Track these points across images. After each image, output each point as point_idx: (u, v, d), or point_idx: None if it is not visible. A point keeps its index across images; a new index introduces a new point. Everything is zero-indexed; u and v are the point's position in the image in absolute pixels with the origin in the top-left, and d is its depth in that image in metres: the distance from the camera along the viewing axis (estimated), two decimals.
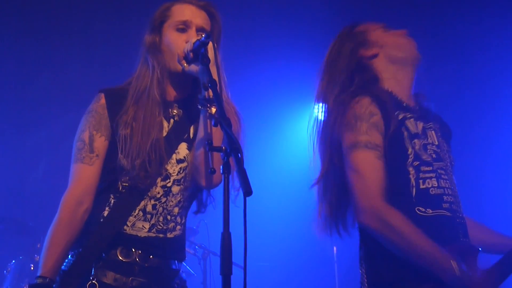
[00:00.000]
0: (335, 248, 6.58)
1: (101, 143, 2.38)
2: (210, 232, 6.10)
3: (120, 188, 2.36)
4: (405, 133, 2.47)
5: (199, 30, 2.41)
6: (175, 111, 2.47)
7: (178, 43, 2.38)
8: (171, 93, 2.48)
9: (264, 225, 6.57)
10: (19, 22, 6.10)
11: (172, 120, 2.45)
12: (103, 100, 2.42)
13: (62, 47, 6.21)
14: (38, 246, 5.33)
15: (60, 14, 6.13)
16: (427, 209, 2.41)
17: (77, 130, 2.43)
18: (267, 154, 6.94)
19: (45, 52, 6.23)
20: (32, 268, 5.30)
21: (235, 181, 2.19)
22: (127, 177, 2.34)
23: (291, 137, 7.45)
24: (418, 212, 2.40)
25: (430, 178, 2.44)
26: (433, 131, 2.57)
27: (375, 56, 2.66)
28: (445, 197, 2.45)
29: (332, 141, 2.55)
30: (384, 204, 2.34)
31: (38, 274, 2.24)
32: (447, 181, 2.49)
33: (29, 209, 5.95)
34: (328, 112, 2.63)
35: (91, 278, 2.27)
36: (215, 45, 2.27)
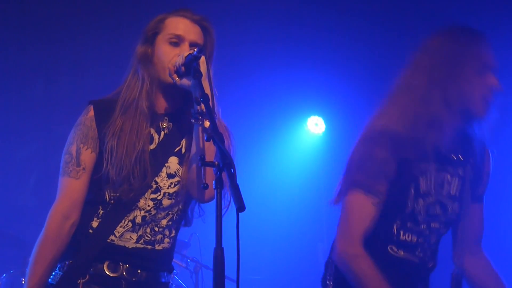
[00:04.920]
0: None
1: (87, 155, 2.36)
2: (202, 245, 6.08)
3: (108, 199, 2.35)
4: (412, 191, 2.40)
5: (192, 45, 2.39)
6: (165, 124, 2.44)
7: (170, 56, 2.35)
8: (162, 106, 2.45)
9: (257, 238, 6.55)
10: (10, 33, 6.09)
11: (162, 133, 2.44)
12: (91, 112, 2.41)
13: (54, 60, 6.21)
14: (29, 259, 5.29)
15: (51, 25, 6.13)
16: (399, 250, 2.44)
17: (66, 142, 2.42)
18: (259, 167, 6.93)
19: (37, 64, 6.22)
20: (23, 281, 5.25)
21: (228, 196, 2.18)
22: (114, 188, 2.33)
23: (284, 149, 7.45)
24: (390, 251, 2.44)
25: (413, 234, 2.45)
26: (457, 181, 2.48)
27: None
28: (419, 249, 2.47)
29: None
30: (356, 251, 2.37)
31: None
32: (432, 236, 2.49)
33: (20, 222, 5.91)
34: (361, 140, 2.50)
35: None
36: (207, 59, 2.27)
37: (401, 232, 2.44)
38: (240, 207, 1.71)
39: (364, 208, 2.37)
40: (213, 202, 1.84)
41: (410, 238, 2.45)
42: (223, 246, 1.76)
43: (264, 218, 6.81)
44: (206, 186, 2.05)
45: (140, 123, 2.36)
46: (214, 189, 1.82)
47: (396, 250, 2.44)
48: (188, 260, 5.94)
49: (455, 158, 2.47)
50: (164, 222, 2.41)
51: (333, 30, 6.43)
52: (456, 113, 2.39)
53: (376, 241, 2.41)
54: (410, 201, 2.41)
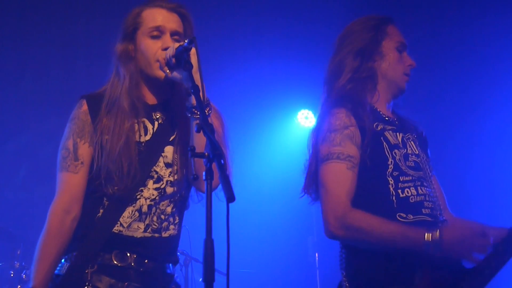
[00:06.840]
0: (317, 255, 6.59)
1: (85, 150, 2.38)
2: (192, 238, 6.08)
3: (111, 191, 2.36)
4: (385, 144, 2.52)
5: (173, 33, 2.42)
6: (158, 114, 2.47)
7: (154, 50, 2.38)
8: (152, 97, 2.48)
9: (247, 231, 6.56)
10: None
11: (156, 123, 2.46)
12: (85, 106, 2.42)
13: (43, 52, 6.17)
14: (18, 252, 5.28)
15: (40, 19, 6.10)
16: (408, 215, 2.45)
17: (62, 138, 2.43)
18: (249, 160, 6.93)
19: (25, 56, 6.19)
20: (12, 274, 5.24)
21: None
22: (111, 183, 2.34)
23: (275, 142, 7.45)
24: (399, 218, 2.44)
25: (409, 187, 2.49)
26: (412, 142, 2.64)
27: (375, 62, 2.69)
28: (425, 203, 2.50)
29: (313, 150, 2.60)
30: (347, 209, 2.38)
31: (30, 286, 2.26)
32: (427, 188, 2.54)
33: (9, 215, 5.88)
34: (316, 122, 2.68)
35: (86, 283, 2.27)
36: (198, 50, 2.26)
37: (399, 191, 2.46)
38: (230, 198, 1.71)
39: (340, 173, 2.43)
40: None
41: (410, 193, 2.47)
42: (213, 239, 1.76)
43: (254, 211, 6.82)
44: (196, 177, 2.05)
45: (122, 121, 2.38)
46: (204, 180, 1.83)
47: (405, 216, 2.44)
48: (178, 253, 5.94)
49: (402, 125, 2.68)
50: (169, 209, 2.43)
51: (324, 23, 6.42)
52: (388, 85, 2.68)
53: (383, 213, 2.40)
54: (387, 153, 2.49)
